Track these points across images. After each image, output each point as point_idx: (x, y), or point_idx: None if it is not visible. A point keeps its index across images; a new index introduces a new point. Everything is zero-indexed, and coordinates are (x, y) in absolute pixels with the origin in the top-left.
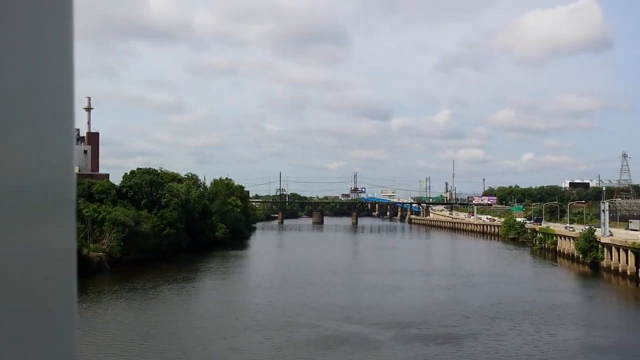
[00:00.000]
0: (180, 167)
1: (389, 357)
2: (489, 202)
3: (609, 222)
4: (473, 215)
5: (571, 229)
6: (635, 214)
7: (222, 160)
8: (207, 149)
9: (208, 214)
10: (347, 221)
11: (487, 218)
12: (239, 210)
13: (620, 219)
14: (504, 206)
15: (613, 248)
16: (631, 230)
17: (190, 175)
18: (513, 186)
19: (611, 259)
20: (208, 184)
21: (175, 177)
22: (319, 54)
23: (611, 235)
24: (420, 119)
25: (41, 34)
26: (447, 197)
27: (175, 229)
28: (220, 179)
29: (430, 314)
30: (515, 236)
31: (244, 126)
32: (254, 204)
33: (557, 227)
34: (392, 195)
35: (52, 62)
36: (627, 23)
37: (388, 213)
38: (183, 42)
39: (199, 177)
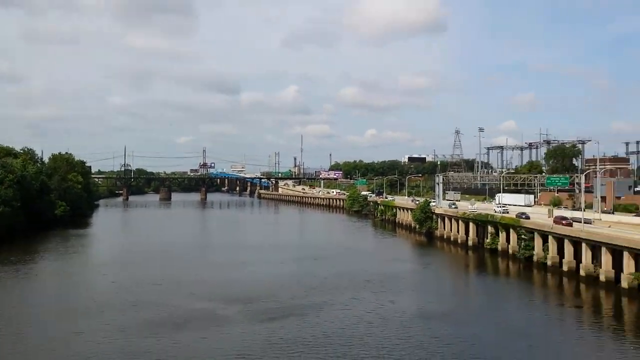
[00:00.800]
0: (16, 141)
1: (236, 332)
2: (335, 176)
3: (444, 194)
4: (316, 189)
5: (417, 202)
6: (465, 186)
7: (62, 134)
8: (46, 122)
9: (46, 191)
10: (195, 197)
11: (337, 192)
12: (80, 186)
13: (453, 190)
14: (349, 180)
15: (446, 218)
16: (447, 200)
17: (26, 149)
18: (357, 161)
19: (444, 228)
20: (47, 159)
21: (9, 152)
22: (165, 24)
23: (456, 207)
24: (269, 94)
25: None
26: (295, 172)
27: (10, 207)
28: (59, 153)
29: (278, 287)
30: (359, 209)
31: (85, 98)
32: (96, 179)
33: (401, 200)
34: (242, 170)
35: None
36: (460, 7)
37: (238, 188)
38: (17, 7)
39: (37, 152)
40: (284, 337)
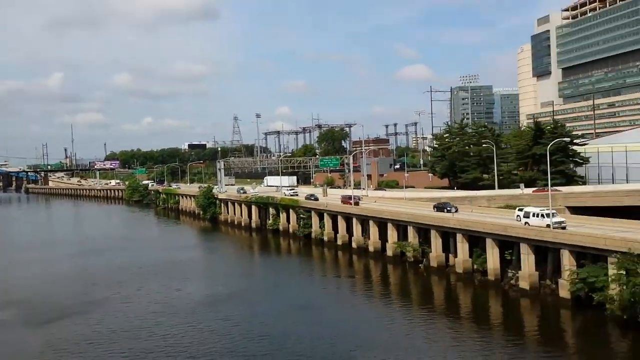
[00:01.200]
0: None
1: (13, 337)
2: (112, 166)
3: (225, 179)
4: (89, 180)
5: (203, 188)
6: (246, 171)
7: None
8: None
9: None
10: None
11: (116, 183)
12: None
13: (235, 175)
14: (127, 170)
15: (229, 203)
16: (229, 185)
17: None
18: (135, 149)
19: (228, 212)
20: None
21: None
22: None
23: (245, 192)
24: (31, 82)
25: None
26: (67, 164)
27: None
28: None
29: (55, 286)
30: (140, 199)
31: None
32: None
33: (186, 187)
34: (5, 164)
35: None
36: None
37: (1, 184)
38: None
39: None
40: (65, 337)
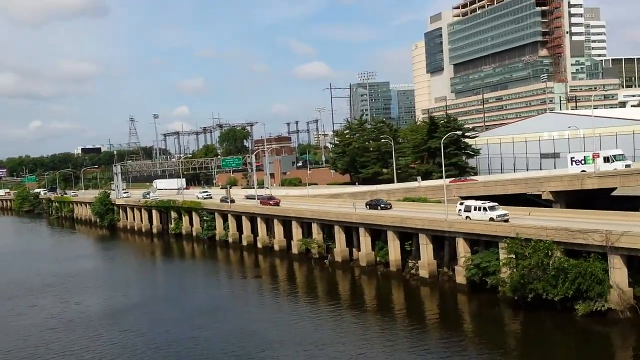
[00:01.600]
0: None
1: None
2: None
3: (125, 184)
4: None
5: (100, 194)
6: (145, 174)
7: None
8: None
9: None
10: None
11: (5, 192)
12: None
13: (133, 180)
14: (15, 178)
15: (128, 208)
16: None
17: None
18: (24, 156)
19: (127, 219)
20: None
21: None
22: None
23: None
24: None
25: None
26: None
27: None
28: None
29: None
30: (30, 208)
31: None
32: None
33: (85, 193)
34: None
35: None
36: None
37: None
38: None
39: None
40: None
